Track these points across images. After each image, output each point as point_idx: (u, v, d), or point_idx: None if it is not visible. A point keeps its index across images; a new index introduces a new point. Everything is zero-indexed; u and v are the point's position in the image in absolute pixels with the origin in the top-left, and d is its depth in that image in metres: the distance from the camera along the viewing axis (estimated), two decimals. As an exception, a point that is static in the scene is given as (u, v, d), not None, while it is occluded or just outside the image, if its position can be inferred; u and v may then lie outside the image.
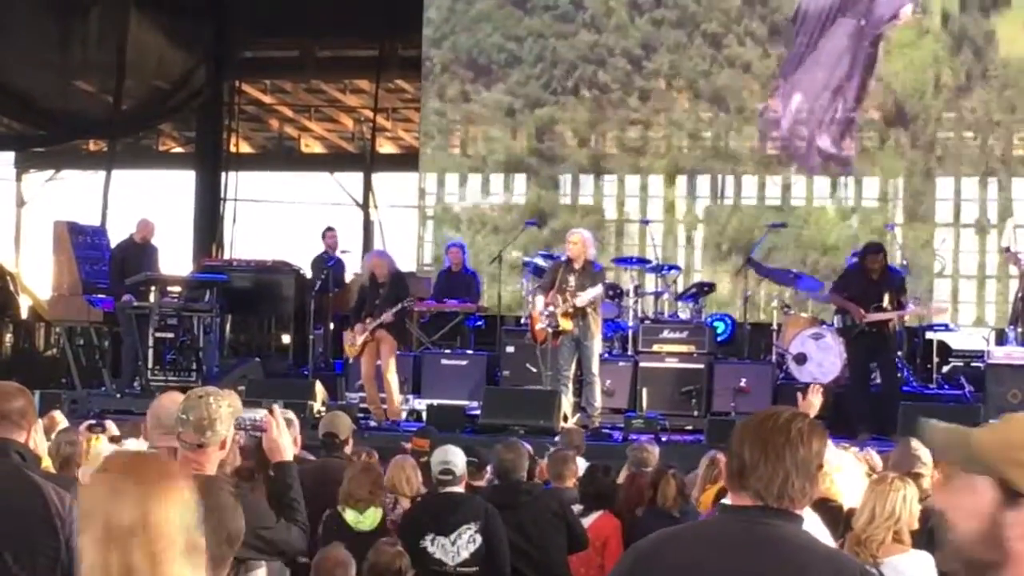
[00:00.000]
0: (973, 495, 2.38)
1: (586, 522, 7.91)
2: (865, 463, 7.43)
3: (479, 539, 7.09)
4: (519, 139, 18.13)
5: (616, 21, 17.76)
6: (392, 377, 13.25)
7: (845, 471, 6.09)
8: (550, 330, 12.70)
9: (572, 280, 12.66)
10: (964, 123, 16.74)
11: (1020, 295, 13.92)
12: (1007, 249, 15.72)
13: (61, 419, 8.71)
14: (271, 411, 5.19)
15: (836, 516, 5.46)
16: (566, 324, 12.64)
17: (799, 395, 6.32)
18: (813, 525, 4.94)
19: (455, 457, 7.36)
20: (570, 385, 12.84)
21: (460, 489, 7.34)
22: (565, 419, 12.47)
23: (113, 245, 15.94)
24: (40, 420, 5.27)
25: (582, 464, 9.19)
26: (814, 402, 5.86)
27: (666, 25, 17.64)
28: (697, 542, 3.18)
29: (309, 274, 16.42)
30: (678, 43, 17.58)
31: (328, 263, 15.95)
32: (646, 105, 17.65)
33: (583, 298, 12.50)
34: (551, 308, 12.66)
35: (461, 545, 7.07)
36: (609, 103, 17.72)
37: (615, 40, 17.76)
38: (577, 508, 7.98)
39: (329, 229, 17.04)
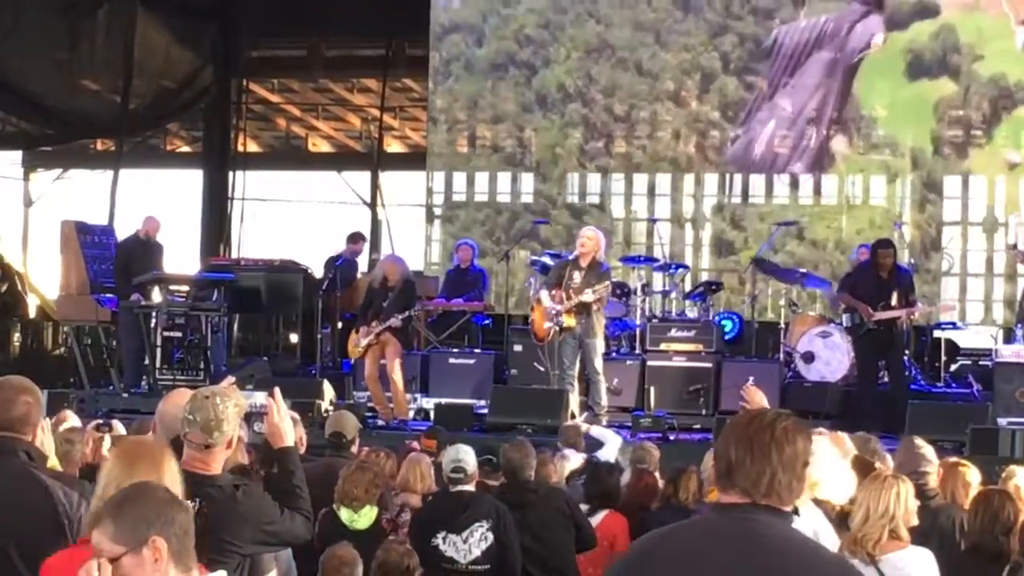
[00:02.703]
0: None
1: (593, 521, 7.92)
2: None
3: (491, 537, 7.09)
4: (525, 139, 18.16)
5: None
6: (397, 376, 13.22)
7: (828, 475, 5.84)
8: (556, 328, 12.69)
9: (577, 278, 12.66)
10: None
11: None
12: (1014, 246, 15.70)
13: (72, 418, 8.69)
14: (271, 395, 5.05)
15: (828, 514, 5.41)
16: (569, 321, 12.64)
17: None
18: (817, 522, 4.95)
19: (466, 456, 7.37)
20: (576, 383, 12.84)
21: (471, 488, 7.34)
22: (572, 417, 12.45)
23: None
24: (48, 419, 5.25)
25: (579, 459, 9.27)
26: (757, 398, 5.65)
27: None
28: (690, 539, 3.21)
29: (320, 273, 16.39)
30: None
31: (337, 262, 15.94)
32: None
33: (588, 294, 12.49)
34: (557, 306, 12.64)
35: (473, 543, 7.08)
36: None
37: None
38: (583, 507, 7.99)
39: (361, 237, 16.99)
